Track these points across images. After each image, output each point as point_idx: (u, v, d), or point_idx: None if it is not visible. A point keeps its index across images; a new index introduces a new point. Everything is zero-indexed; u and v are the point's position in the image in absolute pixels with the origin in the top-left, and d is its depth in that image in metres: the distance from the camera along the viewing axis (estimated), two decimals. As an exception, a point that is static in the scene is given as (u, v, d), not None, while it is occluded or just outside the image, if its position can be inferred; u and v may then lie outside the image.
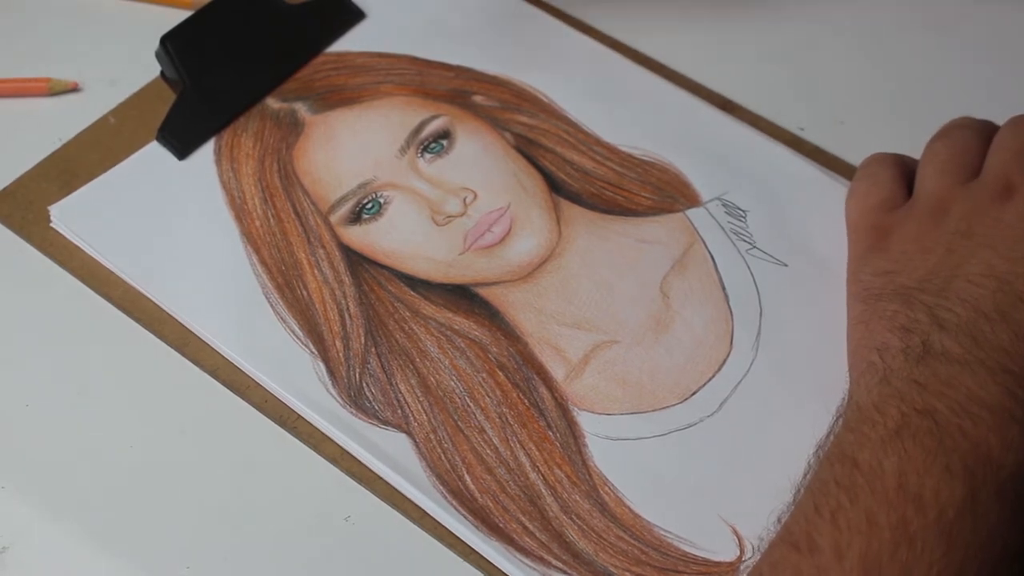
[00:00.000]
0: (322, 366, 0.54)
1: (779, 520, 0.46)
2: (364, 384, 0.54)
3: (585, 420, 0.53)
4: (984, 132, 0.56)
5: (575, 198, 0.60)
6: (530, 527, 0.50)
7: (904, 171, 0.57)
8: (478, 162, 0.61)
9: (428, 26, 0.67)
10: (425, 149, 0.61)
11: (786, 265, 0.58)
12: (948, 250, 0.52)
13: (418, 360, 0.55)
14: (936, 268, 0.51)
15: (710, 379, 0.54)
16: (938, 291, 0.50)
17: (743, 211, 0.60)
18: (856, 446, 0.45)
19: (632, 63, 0.66)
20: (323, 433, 0.53)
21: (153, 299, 0.56)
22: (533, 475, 0.52)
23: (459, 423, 0.53)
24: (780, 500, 0.48)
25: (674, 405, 0.54)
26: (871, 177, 0.58)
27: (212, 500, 0.52)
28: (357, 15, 0.67)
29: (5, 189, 0.60)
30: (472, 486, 0.51)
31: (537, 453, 0.52)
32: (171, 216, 0.59)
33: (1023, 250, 0.50)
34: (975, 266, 0.50)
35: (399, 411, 0.53)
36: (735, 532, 0.50)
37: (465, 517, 0.50)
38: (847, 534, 0.42)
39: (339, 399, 0.53)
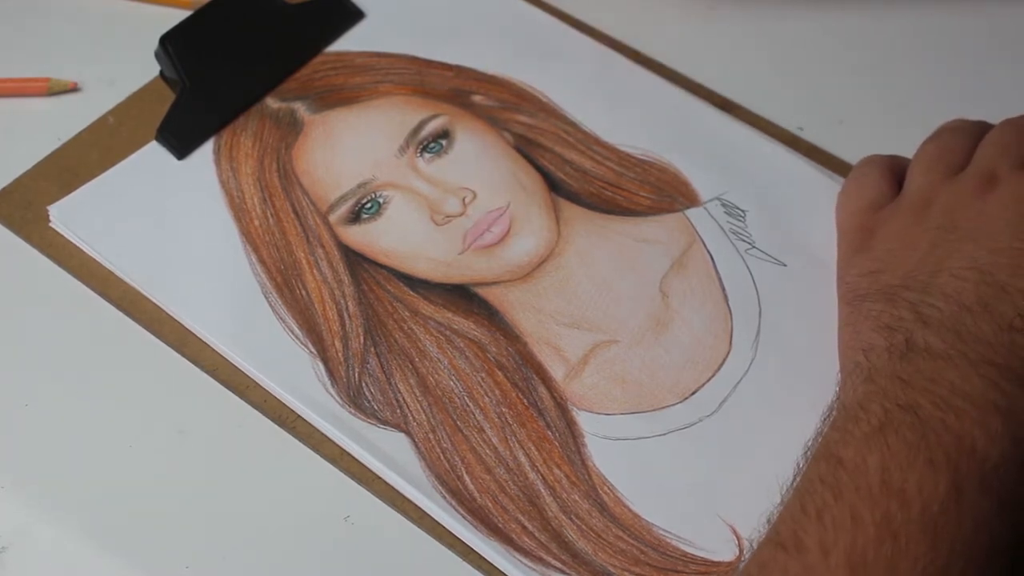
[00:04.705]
0: (321, 366, 0.54)
1: (769, 521, 0.46)
2: (363, 384, 0.54)
3: (584, 420, 0.53)
4: (975, 133, 0.56)
5: (574, 198, 0.60)
6: (529, 527, 0.50)
7: (895, 172, 0.58)
8: (477, 162, 0.61)
9: (428, 26, 0.67)
10: (424, 149, 0.61)
11: (785, 265, 0.58)
12: (932, 245, 0.52)
13: (417, 360, 0.55)
14: (920, 264, 0.51)
15: (709, 379, 0.54)
16: (922, 287, 0.50)
17: (742, 211, 0.60)
18: (841, 444, 0.45)
19: (631, 63, 0.66)
20: (322, 433, 0.53)
21: (152, 299, 0.56)
22: (532, 475, 0.52)
23: (458, 423, 0.53)
24: (778, 500, 0.48)
25: (673, 405, 0.54)
26: (860, 178, 0.58)
27: (211, 500, 0.52)
28: (356, 15, 0.67)
29: (4, 189, 0.60)
30: (471, 486, 0.51)
31: (536, 453, 0.52)
32: (170, 216, 0.59)
33: (1005, 240, 0.50)
34: (958, 260, 0.50)
35: (398, 411, 0.53)
36: (734, 532, 0.50)
37: (464, 517, 0.50)
38: (832, 532, 0.42)
39: (338, 399, 0.53)
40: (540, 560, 0.49)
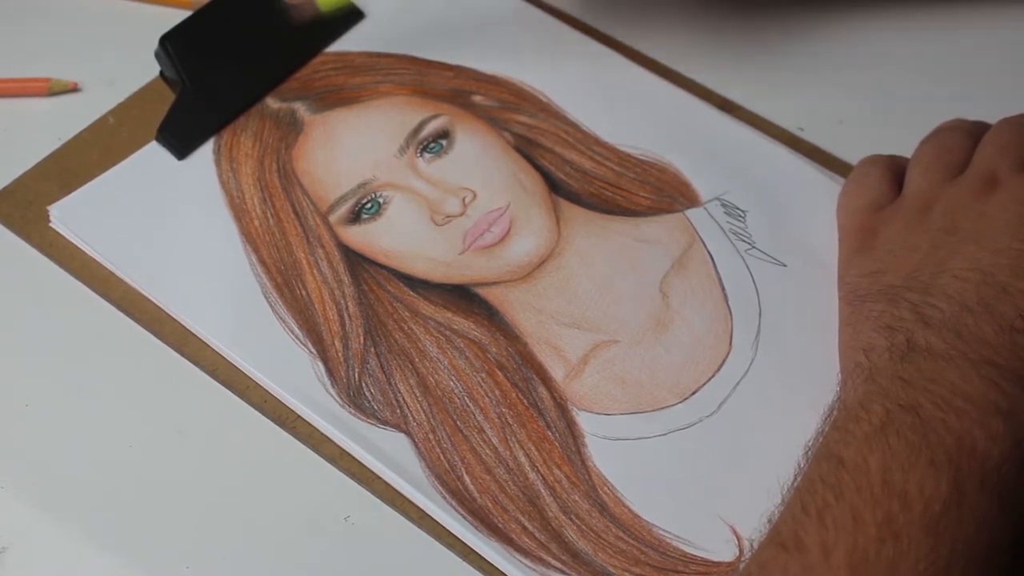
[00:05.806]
0: (321, 366, 0.54)
1: (769, 521, 0.46)
2: (363, 384, 0.54)
3: (584, 420, 0.53)
4: (973, 132, 0.56)
5: (574, 198, 0.60)
6: (529, 527, 0.50)
7: (895, 172, 0.58)
8: (477, 162, 0.61)
9: (428, 26, 0.67)
10: (424, 149, 0.61)
11: (785, 265, 0.58)
12: (933, 246, 0.52)
13: (417, 360, 0.55)
14: (921, 265, 0.51)
15: (710, 379, 0.54)
16: (924, 288, 0.50)
17: (742, 211, 0.60)
18: (842, 444, 0.45)
19: (632, 63, 0.66)
20: (322, 433, 0.53)
21: (152, 299, 0.56)
22: (532, 475, 0.52)
23: (458, 423, 0.53)
24: (779, 500, 0.48)
25: (674, 405, 0.54)
26: (861, 178, 0.58)
27: (212, 500, 0.52)
28: (356, 15, 0.67)
29: (5, 189, 0.60)
30: (471, 486, 0.51)
31: (536, 453, 0.52)
32: (170, 216, 0.59)
33: (1006, 241, 0.50)
34: (959, 261, 0.50)
35: (398, 411, 0.53)
36: (734, 532, 0.50)
37: (464, 517, 0.50)
38: (833, 532, 0.42)
39: (338, 399, 0.53)
40: (540, 560, 0.49)
